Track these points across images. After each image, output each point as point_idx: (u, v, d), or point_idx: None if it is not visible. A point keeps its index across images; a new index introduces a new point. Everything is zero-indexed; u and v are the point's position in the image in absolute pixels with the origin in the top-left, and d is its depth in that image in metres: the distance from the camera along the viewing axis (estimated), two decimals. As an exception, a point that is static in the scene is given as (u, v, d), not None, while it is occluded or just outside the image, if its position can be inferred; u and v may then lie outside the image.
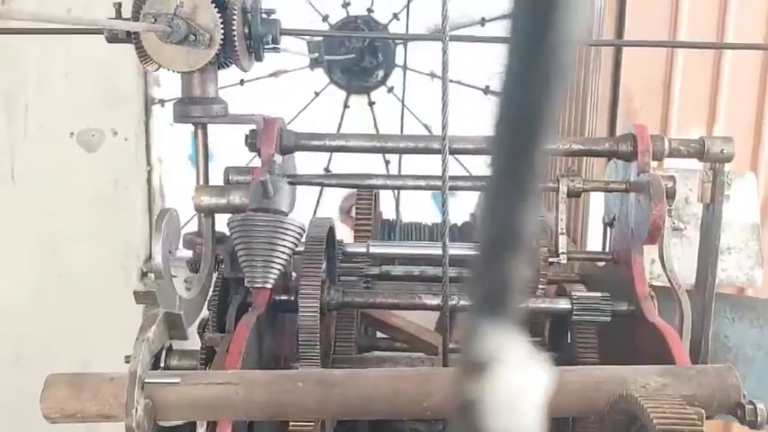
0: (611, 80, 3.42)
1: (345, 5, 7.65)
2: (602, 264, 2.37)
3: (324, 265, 2.10)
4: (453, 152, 2.08)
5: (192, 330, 1.92)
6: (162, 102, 6.14)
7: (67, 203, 7.82)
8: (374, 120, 7.78)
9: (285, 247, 1.66)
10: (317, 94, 7.84)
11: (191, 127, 2.22)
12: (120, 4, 2.05)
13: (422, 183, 2.17)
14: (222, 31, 1.96)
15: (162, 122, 6.21)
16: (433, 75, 7.81)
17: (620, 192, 2.19)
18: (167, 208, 1.66)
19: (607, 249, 2.37)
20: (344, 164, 3.72)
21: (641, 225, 2.06)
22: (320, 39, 6.37)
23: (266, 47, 2.10)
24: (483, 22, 7.63)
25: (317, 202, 7.14)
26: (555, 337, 2.53)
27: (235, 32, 1.99)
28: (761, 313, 2.71)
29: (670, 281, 2.10)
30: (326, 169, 7.21)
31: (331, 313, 2.21)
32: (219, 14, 1.95)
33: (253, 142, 2.10)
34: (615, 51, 3.35)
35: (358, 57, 7.42)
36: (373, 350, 2.97)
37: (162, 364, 2.05)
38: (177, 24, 1.86)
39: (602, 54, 3.34)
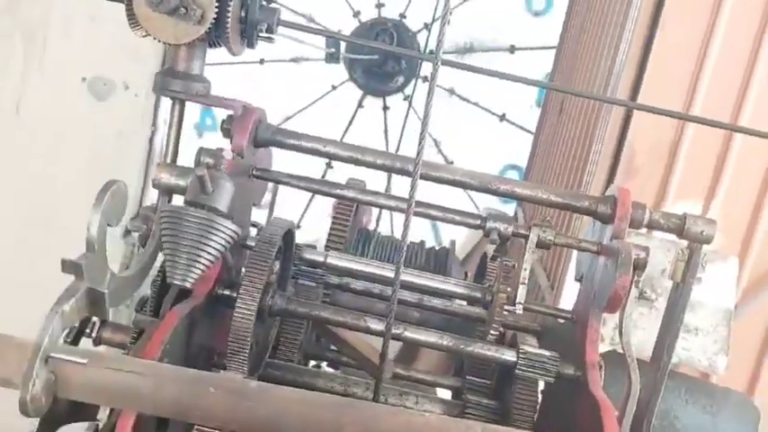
0: (618, 135, 3.35)
1: (379, 6, 7.60)
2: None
3: (275, 268, 2.03)
4: (425, 178, 2.01)
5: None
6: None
7: (68, 147, 7.77)
8: (385, 124, 7.72)
9: (212, 247, 1.59)
10: (333, 87, 7.79)
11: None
12: (121, -39, 1.98)
13: (392, 203, 2.10)
14: (216, 10, 1.90)
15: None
16: (452, 91, 7.75)
17: (591, 252, 2.12)
18: (114, 180, 1.59)
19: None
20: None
21: (604, 291, 1.98)
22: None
23: (260, 35, 2.03)
24: (512, 49, 7.58)
25: (310, 198, 7.07)
26: (502, 383, 2.46)
27: (229, 14, 1.92)
28: (716, 401, 2.64)
29: (624, 352, 2.02)
30: (328, 165, 7.16)
31: (273, 318, 2.14)
32: (217, -8, 1.88)
33: (228, 128, 2.03)
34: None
35: (381, 59, 7.37)
36: (319, 360, 2.90)
37: (93, 335, 1.98)
38: (168, -6, 1.80)
39: (612, 108, 3.27)
